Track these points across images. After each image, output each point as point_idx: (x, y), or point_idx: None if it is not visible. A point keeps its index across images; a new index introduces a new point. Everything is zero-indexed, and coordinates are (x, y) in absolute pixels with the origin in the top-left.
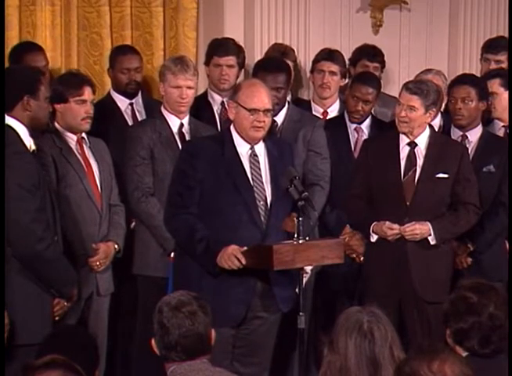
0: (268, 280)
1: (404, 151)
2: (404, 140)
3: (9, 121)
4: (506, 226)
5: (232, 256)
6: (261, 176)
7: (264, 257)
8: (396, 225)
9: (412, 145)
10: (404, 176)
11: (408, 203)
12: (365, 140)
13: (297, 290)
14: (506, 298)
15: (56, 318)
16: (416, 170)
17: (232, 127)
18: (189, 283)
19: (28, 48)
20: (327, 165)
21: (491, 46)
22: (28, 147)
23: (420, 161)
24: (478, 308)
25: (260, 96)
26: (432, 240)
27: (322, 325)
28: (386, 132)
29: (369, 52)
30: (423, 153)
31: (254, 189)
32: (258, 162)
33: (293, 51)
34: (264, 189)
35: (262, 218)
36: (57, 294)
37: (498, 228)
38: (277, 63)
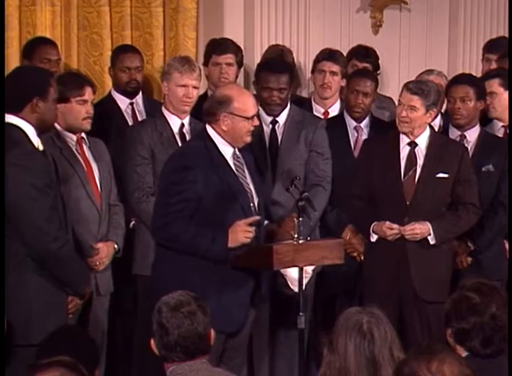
0: (258, 278)
1: (404, 151)
2: (404, 140)
3: (17, 121)
4: (506, 226)
5: (244, 230)
6: (246, 178)
7: (264, 257)
8: (396, 225)
9: (413, 145)
10: (404, 176)
11: (408, 203)
12: (365, 140)
13: (296, 290)
14: (507, 298)
15: (70, 316)
16: (416, 170)
17: (210, 131)
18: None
19: (41, 41)
20: (329, 166)
21: (492, 46)
22: (36, 147)
23: (420, 161)
24: (481, 308)
25: (253, 102)
26: (432, 240)
27: (322, 325)
28: (386, 132)
29: (360, 52)
30: (424, 153)
31: (247, 193)
32: (242, 164)
33: (291, 52)
34: (251, 190)
35: None
36: (72, 292)
37: (498, 227)
38: (280, 63)
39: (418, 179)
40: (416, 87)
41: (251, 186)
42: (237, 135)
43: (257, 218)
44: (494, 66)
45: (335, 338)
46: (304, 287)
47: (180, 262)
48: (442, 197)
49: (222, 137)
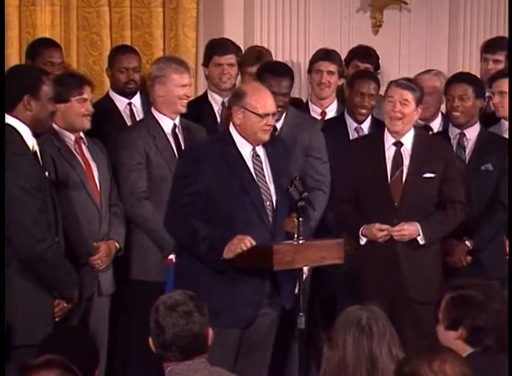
0: (275, 278)
1: (390, 151)
2: (389, 140)
3: (11, 120)
4: (505, 225)
5: (240, 241)
6: (264, 176)
7: (264, 257)
8: (386, 226)
9: (398, 145)
10: (391, 177)
11: (396, 204)
12: (350, 141)
13: (296, 289)
14: (505, 295)
15: (56, 319)
16: (402, 170)
17: (231, 128)
18: (197, 287)
19: (45, 43)
20: (327, 169)
21: (489, 46)
22: (30, 148)
23: (406, 161)
24: (486, 305)
25: (268, 100)
26: (421, 240)
27: (321, 325)
28: (370, 133)
29: (361, 53)
30: (410, 152)
31: (261, 189)
32: (261, 162)
33: (270, 53)
34: (269, 189)
35: (270, 219)
36: (57, 295)
37: (496, 226)
38: (282, 67)
39: (405, 180)
40: (405, 83)
41: (270, 185)
42: (249, 131)
43: (254, 243)
44: (492, 65)
45: (334, 333)
46: (298, 287)
47: (190, 259)
48: (430, 196)
49: (240, 134)
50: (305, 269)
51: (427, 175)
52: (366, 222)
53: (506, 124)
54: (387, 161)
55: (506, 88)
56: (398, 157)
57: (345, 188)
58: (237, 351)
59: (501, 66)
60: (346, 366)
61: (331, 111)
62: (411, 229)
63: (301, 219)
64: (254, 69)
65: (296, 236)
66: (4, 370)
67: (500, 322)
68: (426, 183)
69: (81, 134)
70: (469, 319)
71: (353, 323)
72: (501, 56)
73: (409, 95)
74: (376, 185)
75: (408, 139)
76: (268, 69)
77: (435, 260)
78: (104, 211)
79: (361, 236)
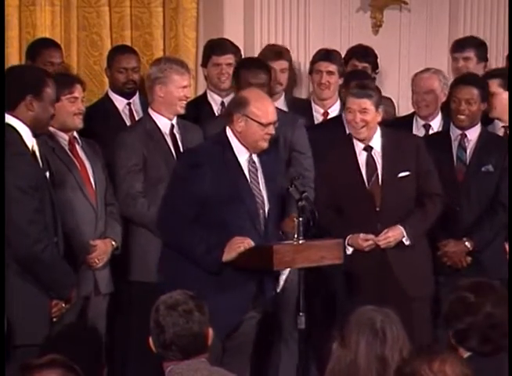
0: (260, 282)
1: (362, 157)
2: (359, 146)
3: (11, 120)
4: (506, 226)
5: (241, 241)
6: (259, 184)
7: (264, 257)
8: (371, 236)
9: (369, 149)
10: (368, 183)
11: (377, 209)
12: (325, 151)
13: (278, 290)
14: (505, 296)
15: (54, 319)
16: (378, 174)
17: (229, 133)
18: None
19: (45, 43)
20: (312, 164)
21: (458, 45)
22: (30, 148)
23: (379, 165)
24: (475, 307)
25: (271, 109)
26: (406, 241)
27: (321, 325)
28: (339, 139)
29: (359, 52)
30: (381, 154)
31: (256, 198)
32: (256, 169)
33: (288, 50)
34: (262, 197)
35: (262, 226)
36: (55, 295)
37: (497, 227)
38: (257, 61)
39: (382, 184)
40: (361, 92)
41: (264, 193)
42: (250, 139)
43: (253, 244)
44: (462, 63)
45: (347, 333)
46: (280, 287)
47: (180, 263)
48: (409, 194)
49: (239, 140)
50: (286, 270)
51: (402, 174)
52: (350, 230)
53: (499, 124)
54: (361, 168)
55: (494, 89)
56: (370, 162)
57: (325, 197)
58: (221, 355)
59: (471, 63)
60: (357, 369)
61: (334, 111)
62: (395, 235)
63: (301, 219)
64: (274, 64)
65: (296, 236)
66: (4, 369)
67: (490, 325)
68: (402, 182)
69: (75, 134)
70: (454, 320)
71: (367, 326)
72: (470, 53)
73: (367, 103)
74: (356, 193)
75: (376, 142)
76: (243, 65)
77: (425, 256)
78: (100, 210)
79: (347, 246)
